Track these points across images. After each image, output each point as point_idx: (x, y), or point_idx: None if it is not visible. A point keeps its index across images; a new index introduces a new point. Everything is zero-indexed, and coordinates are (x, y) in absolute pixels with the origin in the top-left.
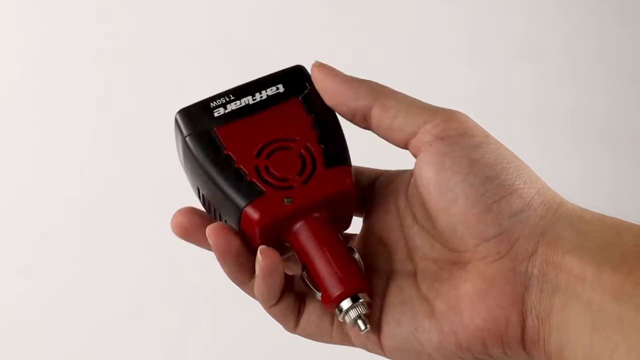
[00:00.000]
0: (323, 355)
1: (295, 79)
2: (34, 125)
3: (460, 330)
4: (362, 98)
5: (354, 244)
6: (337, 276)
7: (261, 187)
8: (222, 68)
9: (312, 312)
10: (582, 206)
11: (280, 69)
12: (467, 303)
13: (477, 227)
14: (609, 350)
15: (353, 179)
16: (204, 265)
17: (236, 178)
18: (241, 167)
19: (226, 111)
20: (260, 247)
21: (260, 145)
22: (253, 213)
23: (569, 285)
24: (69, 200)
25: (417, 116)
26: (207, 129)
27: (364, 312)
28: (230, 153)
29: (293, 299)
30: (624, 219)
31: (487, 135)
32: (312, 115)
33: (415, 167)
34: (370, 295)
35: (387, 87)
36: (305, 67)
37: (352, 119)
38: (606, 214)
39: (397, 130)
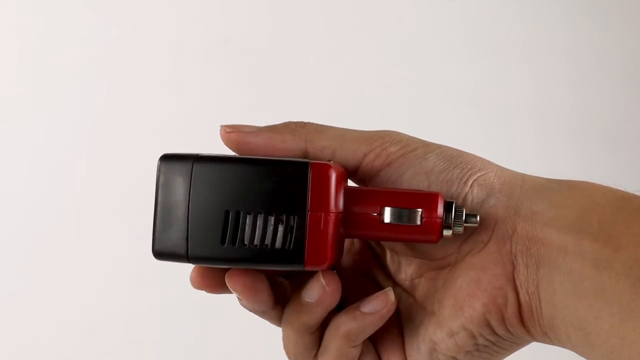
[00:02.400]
0: None
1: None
2: (33, 125)
3: (467, 323)
4: (293, 143)
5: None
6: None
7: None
8: (222, 68)
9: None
10: None
11: (282, 71)
12: (465, 296)
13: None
14: (592, 316)
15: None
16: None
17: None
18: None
19: None
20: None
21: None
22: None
23: (551, 257)
24: (68, 200)
25: (354, 151)
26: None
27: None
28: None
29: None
30: (592, 182)
31: (426, 144)
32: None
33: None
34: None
35: (310, 125)
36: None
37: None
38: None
39: (346, 164)
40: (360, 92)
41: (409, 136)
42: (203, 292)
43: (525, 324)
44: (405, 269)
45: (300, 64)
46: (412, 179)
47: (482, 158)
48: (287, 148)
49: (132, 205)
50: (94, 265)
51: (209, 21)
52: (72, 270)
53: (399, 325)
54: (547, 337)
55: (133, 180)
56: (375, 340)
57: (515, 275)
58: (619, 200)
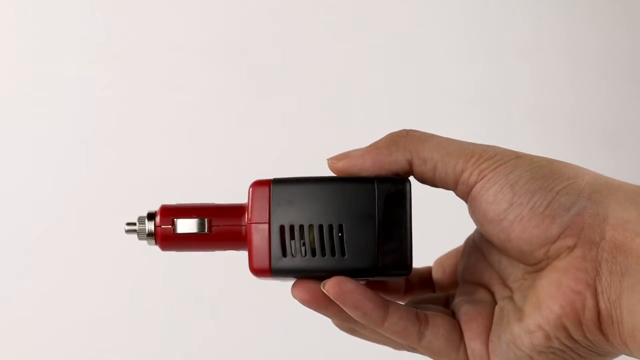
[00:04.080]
0: (323, 356)
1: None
2: (32, 125)
3: (544, 323)
4: (400, 160)
5: (453, 301)
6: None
7: None
8: (222, 68)
9: (439, 326)
10: None
11: (282, 71)
12: (545, 296)
13: (540, 237)
14: None
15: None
16: (204, 266)
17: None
18: None
19: None
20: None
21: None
22: None
23: (639, 267)
24: (68, 200)
25: (453, 167)
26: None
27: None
28: None
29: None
30: None
31: (518, 156)
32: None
33: (469, 210)
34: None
35: (415, 133)
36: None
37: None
38: None
39: (440, 182)
40: (361, 92)
41: (504, 150)
42: (203, 293)
43: (604, 331)
44: (513, 272)
45: (300, 64)
46: (498, 193)
47: (577, 166)
48: (394, 161)
49: (133, 205)
50: (95, 265)
51: (209, 21)
52: (72, 270)
53: (490, 313)
54: (627, 347)
55: (133, 180)
56: (462, 319)
57: (597, 281)
58: None
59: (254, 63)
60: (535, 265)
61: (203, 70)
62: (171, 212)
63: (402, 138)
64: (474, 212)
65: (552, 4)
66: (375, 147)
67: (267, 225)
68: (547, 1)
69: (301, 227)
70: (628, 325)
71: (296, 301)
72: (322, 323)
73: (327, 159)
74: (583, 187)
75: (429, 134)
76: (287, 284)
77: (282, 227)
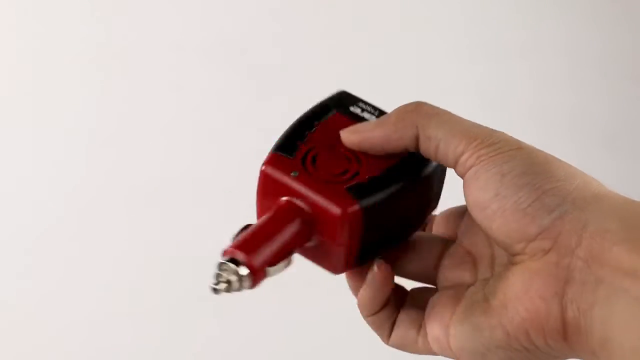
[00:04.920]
0: (324, 356)
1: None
2: (33, 125)
3: (507, 323)
4: (407, 136)
5: (446, 254)
6: (248, 242)
7: (297, 154)
8: (223, 68)
9: (403, 321)
10: None
11: (282, 71)
12: (513, 296)
13: (519, 232)
14: None
15: (346, 220)
16: (204, 266)
17: (296, 137)
18: (309, 138)
19: (357, 112)
20: (377, 261)
21: (336, 142)
22: (269, 160)
23: (616, 279)
24: (68, 200)
25: (455, 147)
26: (333, 107)
27: (231, 281)
28: (318, 126)
29: (391, 310)
30: None
31: (520, 147)
32: (391, 169)
33: (463, 192)
34: (255, 282)
35: (423, 109)
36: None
37: (405, 153)
38: None
39: (441, 159)
40: (361, 92)
41: (508, 138)
42: (204, 292)
43: (568, 340)
44: (501, 255)
45: (301, 64)
46: (489, 180)
47: (571, 168)
48: (401, 137)
49: (133, 205)
50: (94, 265)
51: (209, 21)
52: (73, 270)
53: (460, 298)
54: (594, 355)
55: (134, 179)
56: (429, 305)
57: (567, 290)
58: None
59: (254, 63)
60: (515, 257)
61: (203, 71)
62: (261, 266)
63: (410, 113)
64: (465, 194)
65: (552, 5)
66: (384, 122)
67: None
68: (547, 2)
69: None
70: (599, 335)
71: (298, 302)
72: (325, 323)
73: (341, 132)
74: (570, 191)
75: (438, 108)
76: (288, 286)
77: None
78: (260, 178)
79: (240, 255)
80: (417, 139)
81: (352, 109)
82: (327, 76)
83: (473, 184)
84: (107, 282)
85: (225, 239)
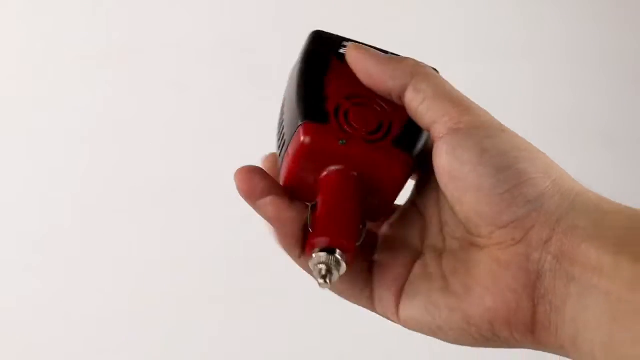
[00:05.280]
0: (325, 356)
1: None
2: (34, 125)
3: (469, 309)
4: (399, 78)
5: (399, 208)
6: (330, 226)
7: (331, 118)
8: (223, 68)
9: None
10: None
11: (282, 71)
12: (478, 284)
13: (490, 215)
14: (630, 340)
15: (405, 172)
16: (205, 266)
17: (317, 99)
18: (328, 95)
19: None
20: (268, 198)
21: (357, 91)
22: (307, 128)
23: (585, 275)
24: (70, 200)
25: (439, 106)
26: (327, 54)
27: (332, 268)
28: (326, 82)
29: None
30: None
31: (503, 129)
32: None
33: (433, 155)
34: (352, 259)
35: (426, 68)
36: None
37: (388, 97)
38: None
39: (419, 116)
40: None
41: (493, 118)
42: (206, 292)
43: (535, 333)
44: (456, 229)
45: None
46: (468, 151)
47: (551, 160)
48: (392, 77)
49: (134, 205)
50: (95, 265)
51: (209, 21)
52: (76, 271)
53: (411, 264)
54: (564, 350)
55: (135, 179)
56: (377, 264)
57: (539, 284)
58: None
59: (255, 63)
60: (477, 238)
61: (204, 71)
62: (353, 245)
63: (412, 66)
64: (437, 158)
65: (553, 5)
66: (387, 58)
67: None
68: (547, 2)
69: None
70: (570, 331)
71: (302, 303)
72: (327, 324)
73: (349, 44)
74: (548, 185)
75: (437, 74)
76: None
77: None
78: (302, 150)
79: (334, 243)
80: (405, 88)
81: (342, 51)
82: None
83: (449, 149)
84: (109, 283)
85: (226, 238)
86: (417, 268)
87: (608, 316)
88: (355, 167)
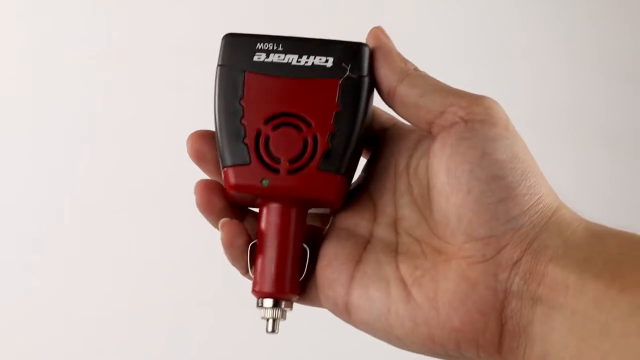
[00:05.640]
0: (321, 356)
1: (348, 58)
2: (34, 125)
3: (434, 326)
4: (395, 70)
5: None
6: (272, 274)
7: (250, 155)
8: None
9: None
10: (582, 206)
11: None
12: (445, 301)
13: (470, 224)
14: (599, 359)
15: (340, 193)
16: (204, 266)
17: (235, 134)
18: (245, 125)
19: (266, 60)
20: (221, 221)
21: (276, 112)
22: (230, 176)
23: (552, 294)
24: (69, 200)
25: (445, 97)
26: (239, 69)
27: (279, 316)
28: (243, 105)
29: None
30: (612, 227)
31: (507, 127)
32: (341, 106)
33: (434, 144)
34: (297, 297)
35: (419, 72)
36: (368, 48)
37: (377, 85)
38: (597, 222)
39: (423, 108)
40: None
41: (500, 108)
42: (205, 292)
43: (503, 353)
44: (416, 224)
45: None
46: (469, 150)
47: (540, 173)
48: (392, 64)
49: (134, 205)
50: (95, 266)
51: (209, 21)
52: (75, 272)
53: (359, 253)
54: None
55: (134, 179)
56: (321, 261)
57: (506, 305)
58: (629, 242)
59: None
60: (445, 244)
61: (204, 71)
62: (298, 286)
63: (407, 65)
64: (441, 148)
65: (552, 5)
66: (395, 51)
67: None
68: (546, 2)
69: None
70: (539, 350)
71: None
72: (328, 325)
73: (378, 26)
74: (533, 204)
75: (429, 75)
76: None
77: None
78: (230, 190)
79: (278, 296)
80: (400, 80)
81: (256, 58)
82: None
83: (454, 142)
84: (108, 282)
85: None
86: (369, 266)
87: (575, 335)
88: (286, 199)
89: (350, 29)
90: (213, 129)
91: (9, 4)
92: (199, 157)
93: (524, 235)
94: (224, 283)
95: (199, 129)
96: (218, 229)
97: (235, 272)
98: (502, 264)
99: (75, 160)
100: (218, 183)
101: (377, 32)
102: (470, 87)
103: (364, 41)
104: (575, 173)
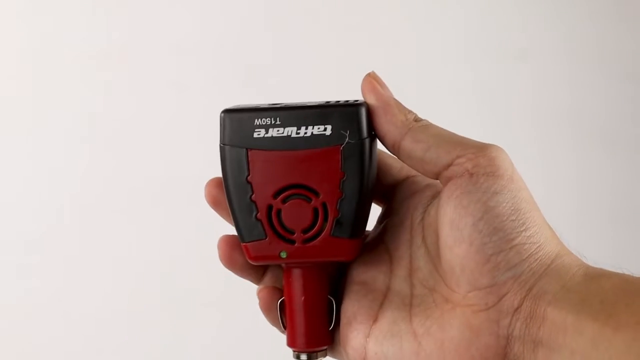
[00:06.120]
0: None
1: (345, 124)
2: (34, 125)
3: None
4: (396, 125)
5: (367, 237)
6: (303, 332)
7: (266, 230)
8: (222, 68)
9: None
10: (582, 206)
11: (282, 71)
12: (451, 349)
13: (473, 274)
14: None
15: (355, 253)
16: (204, 266)
17: (247, 211)
18: (256, 201)
19: (266, 135)
20: (259, 288)
21: (283, 185)
22: (250, 250)
23: (552, 337)
24: (69, 201)
25: (450, 150)
26: (241, 147)
27: None
28: (251, 182)
29: None
30: (610, 270)
31: (512, 178)
32: (346, 172)
33: (441, 195)
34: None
35: (422, 122)
36: (364, 108)
37: (381, 139)
38: (597, 222)
39: (429, 163)
40: (361, 93)
41: (505, 157)
42: (205, 292)
43: None
44: (424, 268)
45: (300, 65)
46: (473, 204)
47: (542, 221)
48: (392, 121)
49: (133, 205)
50: (95, 266)
51: (209, 21)
52: (74, 272)
53: (374, 309)
54: None
55: (134, 180)
56: (345, 314)
57: (508, 350)
58: (624, 283)
59: (254, 63)
60: (452, 293)
61: (203, 71)
62: (329, 339)
63: (409, 117)
64: (446, 200)
65: (552, 5)
66: (394, 104)
67: None
68: (546, 2)
69: None
70: None
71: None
72: None
73: (371, 73)
74: (533, 252)
75: (433, 125)
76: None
77: None
78: (252, 261)
79: (311, 349)
80: (402, 137)
81: (256, 135)
82: (326, 77)
83: (458, 195)
84: (107, 282)
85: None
86: (384, 323)
87: None
88: (305, 265)
89: (351, 29)
90: (214, 132)
91: (9, 4)
92: (215, 204)
93: (524, 282)
94: (224, 283)
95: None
96: (242, 278)
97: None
98: (504, 310)
99: (75, 160)
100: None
101: (372, 84)
102: (470, 87)
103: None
104: (575, 173)
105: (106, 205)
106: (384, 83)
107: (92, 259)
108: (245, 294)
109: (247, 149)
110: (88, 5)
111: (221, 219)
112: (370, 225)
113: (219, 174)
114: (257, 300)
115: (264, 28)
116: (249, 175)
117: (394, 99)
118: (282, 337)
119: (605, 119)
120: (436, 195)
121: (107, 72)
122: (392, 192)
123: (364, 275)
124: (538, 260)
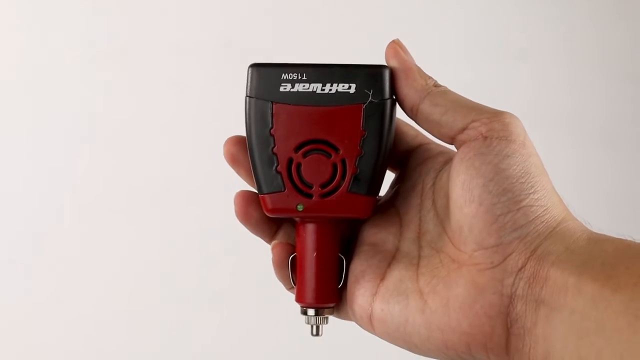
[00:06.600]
0: (324, 356)
1: (369, 83)
2: (33, 126)
3: (447, 331)
4: (416, 89)
5: (379, 201)
6: (312, 287)
7: (284, 183)
8: (223, 68)
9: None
10: (582, 205)
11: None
12: (456, 307)
13: (481, 233)
14: (594, 355)
15: (369, 211)
16: (203, 266)
17: (268, 163)
18: (277, 154)
19: (292, 90)
20: (273, 243)
21: (304, 140)
22: (267, 202)
23: (553, 296)
24: (69, 201)
25: (467, 114)
26: (267, 100)
27: (321, 322)
28: (274, 135)
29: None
30: (613, 236)
31: (524, 143)
32: (366, 130)
33: (454, 157)
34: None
35: (441, 88)
36: (388, 70)
37: (400, 102)
38: (597, 222)
39: (445, 126)
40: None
41: (518, 124)
42: (204, 292)
43: (510, 354)
44: (433, 230)
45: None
46: (485, 165)
47: (550, 186)
48: (412, 84)
49: (133, 205)
50: (95, 266)
51: (209, 21)
52: (74, 271)
53: (385, 268)
54: None
55: (133, 180)
56: (352, 272)
57: (511, 309)
58: (625, 247)
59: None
60: (459, 252)
61: (203, 71)
62: (337, 297)
63: (430, 85)
64: (459, 162)
65: (552, 5)
66: (415, 69)
67: None
68: (546, 2)
69: None
70: (542, 349)
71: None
72: (330, 324)
73: (395, 40)
74: (540, 214)
75: (452, 91)
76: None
77: None
78: (268, 213)
79: (320, 305)
80: (420, 99)
81: (282, 89)
82: None
83: (471, 157)
84: (107, 282)
85: (225, 239)
86: (391, 282)
87: (574, 334)
88: (321, 219)
89: (351, 29)
90: (216, 130)
91: (9, 4)
92: (234, 161)
93: (529, 243)
94: (224, 283)
95: (234, 134)
96: (256, 235)
97: (234, 273)
98: (508, 270)
99: (75, 160)
100: (255, 195)
101: (396, 49)
102: (471, 87)
103: (378, 46)
104: (575, 173)
105: (106, 205)
106: (407, 49)
107: (92, 259)
108: (245, 294)
109: (272, 102)
110: (88, 6)
111: (221, 218)
112: (383, 192)
113: (220, 174)
114: (256, 299)
115: (265, 28)
116: (272, 128)
117: (416, 64)
118: (283, 337)
119: (605, 119)
120: (448, 161)
121: (107, 72)
122: (405, 158)
123: (374, 237)
124: (544, 223)
